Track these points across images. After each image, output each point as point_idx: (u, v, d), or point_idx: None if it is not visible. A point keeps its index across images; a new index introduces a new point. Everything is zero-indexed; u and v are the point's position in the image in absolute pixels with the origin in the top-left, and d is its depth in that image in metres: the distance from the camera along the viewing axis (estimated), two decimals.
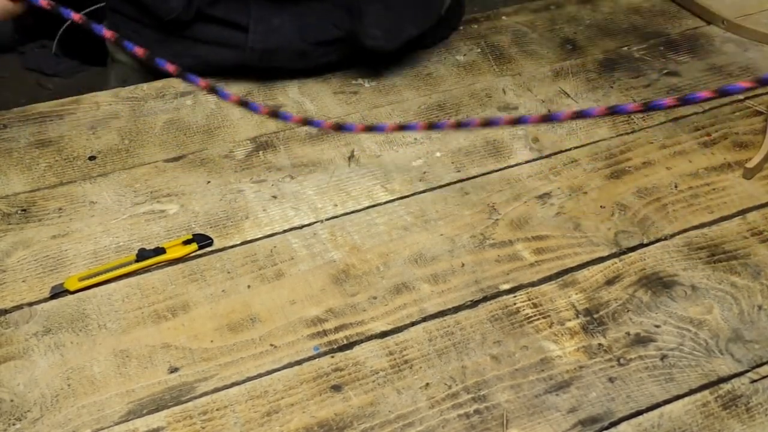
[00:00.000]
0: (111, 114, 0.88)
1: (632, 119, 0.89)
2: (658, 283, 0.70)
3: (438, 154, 0.84)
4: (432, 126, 0.78)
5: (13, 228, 0.75)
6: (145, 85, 0.92)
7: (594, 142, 0.85)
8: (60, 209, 0.77)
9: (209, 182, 0.80)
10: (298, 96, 0.92)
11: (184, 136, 0.86)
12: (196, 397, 0.62)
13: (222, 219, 0.76)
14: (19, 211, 0.77)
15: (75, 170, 0.82)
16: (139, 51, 0.76)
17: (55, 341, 0.65)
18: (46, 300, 0.68)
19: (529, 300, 0.69)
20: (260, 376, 0.63)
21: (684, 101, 0.67)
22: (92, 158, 0.83)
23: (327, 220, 0.76)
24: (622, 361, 0.64)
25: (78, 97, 0.91)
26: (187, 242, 0.73)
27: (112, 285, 0.70)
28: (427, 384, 0.63)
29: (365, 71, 0.95)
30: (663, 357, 0.64)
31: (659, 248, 0.74)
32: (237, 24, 0.90)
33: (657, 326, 0.67)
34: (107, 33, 0.76)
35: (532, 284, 0.70)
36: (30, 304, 0.68)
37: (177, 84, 0.92)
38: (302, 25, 0.89)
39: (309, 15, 0.89)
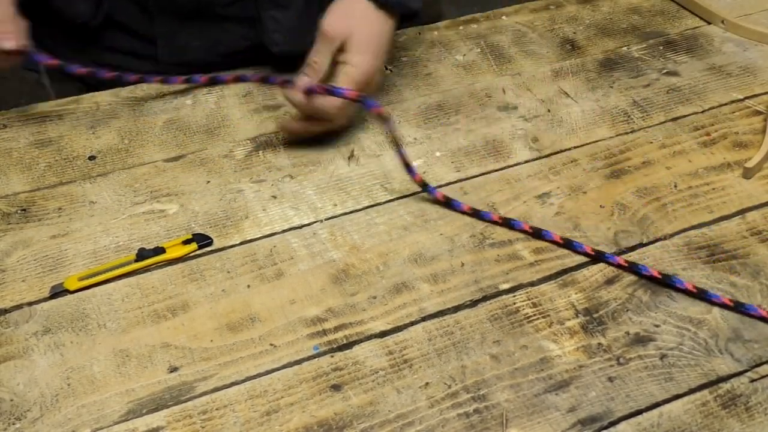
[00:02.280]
0: (111, 114, 0.88)
1: (631, 119, 0.89)
2: (658, 283, 0.70)
3: (438, 154, 0.84)
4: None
5: (13, 228, 0.75)
6: (144, 85, 0.92)
7: (593, 142, 0.86)
8: (60, 209, 0.77)
9: (209, 182, 0.80)
10: None
11: (183, 136, 0.86)
12: (195, 397, 0.62)
13: (222, 219, 0.76)
14: (18, 211, 0.77)
15: (75, 170, 0.82)
16: (52, 63, 0.83)
17: (55, 341, 0.65)
18: (45, 300, 0.68)
19: (529, 299, 0.69)
20: (260, 375, 0.63)
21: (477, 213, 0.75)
22: (92, 158, 0.83)
23: (327, 219, 0.76)
24: (621, 360, 0.64)
25: (78, 97, 0.91)
26: (186, 242, 0.73)
27: (112, 285, 0.70)
28: (427, 383, 0.63)
29: None
30: (662, 356, 0.64)
31: (659, 248, 0.74)
32: (144, 36, 0.93)
33: (656, 326, 0.67)
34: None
35: (532, 284, 0.70)
36: (30, 304, 0.68)
37: (176, 84, 0.92)
38: (209, 41, 0.92)
39: (214, 30, 0.91)
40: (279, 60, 0.92)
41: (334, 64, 0.80)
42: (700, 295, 0.69)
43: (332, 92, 0.77)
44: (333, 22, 0.79)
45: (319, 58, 0.79)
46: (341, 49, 0.79)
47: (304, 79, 0.79)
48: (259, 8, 0.90)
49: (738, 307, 0.67)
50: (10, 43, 0.79)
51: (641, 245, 0.74)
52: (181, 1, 0.84)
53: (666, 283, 0.69)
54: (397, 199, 0.79)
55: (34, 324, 0.66)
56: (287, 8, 0.90)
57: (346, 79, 0.79)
